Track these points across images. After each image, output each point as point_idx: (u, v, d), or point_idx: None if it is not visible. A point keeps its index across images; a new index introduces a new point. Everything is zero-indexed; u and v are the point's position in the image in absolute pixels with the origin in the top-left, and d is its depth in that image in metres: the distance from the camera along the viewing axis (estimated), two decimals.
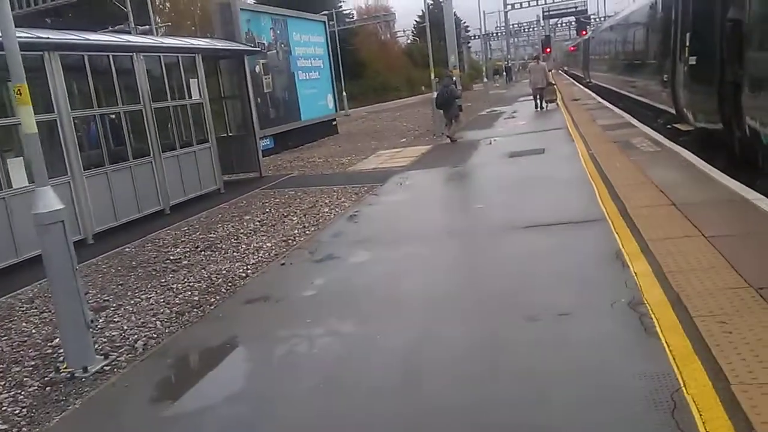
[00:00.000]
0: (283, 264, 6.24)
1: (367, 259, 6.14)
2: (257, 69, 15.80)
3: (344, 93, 40.72)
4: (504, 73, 53.07)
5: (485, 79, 48.16)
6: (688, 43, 9.95)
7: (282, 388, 3.67)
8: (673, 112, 11.68)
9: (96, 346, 4.59)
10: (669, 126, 11.94)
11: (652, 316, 3.82)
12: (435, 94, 16.68)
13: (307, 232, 7.64)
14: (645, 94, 15.07)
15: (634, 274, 4.57)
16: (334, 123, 22.71)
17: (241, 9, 15.87)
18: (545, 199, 7.70)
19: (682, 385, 2.97)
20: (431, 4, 54.94)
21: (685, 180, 7.48)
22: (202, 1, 44.75)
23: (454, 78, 17.61)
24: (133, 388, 3.97)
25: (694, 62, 9.74)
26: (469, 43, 79.06)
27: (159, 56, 10.24)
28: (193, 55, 11.02)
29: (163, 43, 11.01)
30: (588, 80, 34.42)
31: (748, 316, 3.56)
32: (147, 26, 23.71)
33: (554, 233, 6.10)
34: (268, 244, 7.20)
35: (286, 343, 4.37)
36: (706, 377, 3.01)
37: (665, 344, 3.43)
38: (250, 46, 14.22)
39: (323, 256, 6.34)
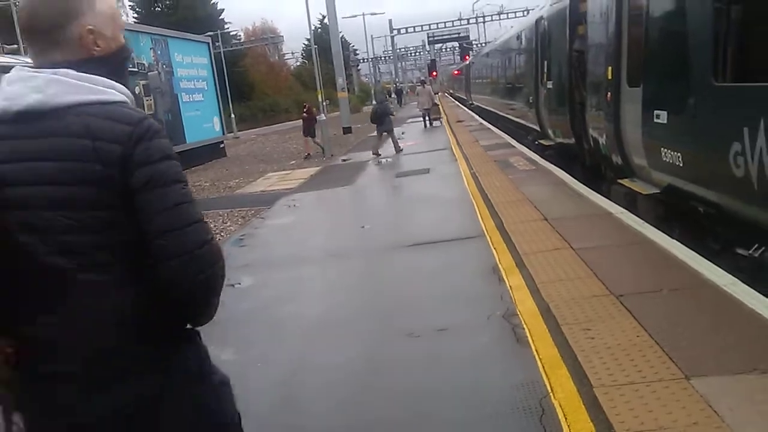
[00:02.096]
0: None
1: (252, 283, 6.02)
2: (137, 90, 15.21)
3: (232, 115, 40.04)
4: (394, 96, 54.23)
5: (374, 102, 49.08)
6: (546, 70, 11.39)
7: None
8: (538, 129, 13.05)
9: None
10: (536, 142, 13.22)
11: (525, 326, 4.00)
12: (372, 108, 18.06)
13: None
14: (517, 115, 16.40)
15: (509, 287, 4.78)
16: (222, 146, 22.23)
17: None
18: (429, 217, 7.91)
19: (549, 391, 3.13)
20: (319, 27, 55.40)
21: (557, 196, 7.94)
22: None
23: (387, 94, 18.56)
24: None
25: (551, 86, 11.25)
26: (358, 66, 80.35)
27: None
28: None
29: (30, 63, 10.34)
30: (470, 102, 36.07)
31: (609, 322, 3.81)
32: (14, 45, 22.22)
33: (437, 250, 6.27)
34: None
35: None
36: (572, 382, 3.18)
37: (535, 353, 3.60)
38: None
39: None
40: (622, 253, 5.22)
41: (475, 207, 7.90)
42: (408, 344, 4.04)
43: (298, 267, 6.36)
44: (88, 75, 1.40)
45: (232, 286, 5.99)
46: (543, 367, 3.41)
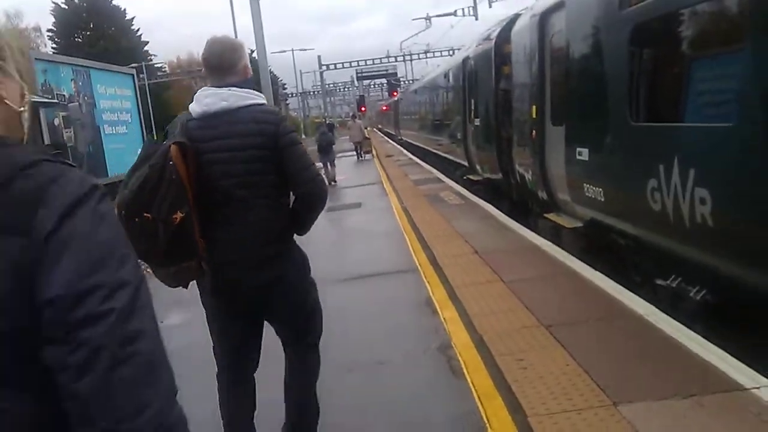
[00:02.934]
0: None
1: (182, 321, 5.83)
2: (56, 122, 14.65)
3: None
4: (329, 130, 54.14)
5: (303, 136, 49.13)
6: (473, 107, 11.80)
7: None
8: (467, 164, 13.32)
9: None
10: (464, 177, 13.57)
11: (460, 358, 4.05)
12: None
13: None
14: (446, 150, 16.81)
15: (443, 320, 4.84)
16: None
17: (37, 59, 14.75)
18: (363, 251, 7.93)
19: (486, 422, 3.17)
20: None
21: (486, 230, 8.15)
22: None
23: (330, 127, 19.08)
24: None
25: (478, 123, 11.51)
26: (287, 100, 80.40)
27: None
28: None
29: None
30: (399, 137, 36.68)
31: (540, 352, 3.92)
32: None
33: (371, 284, 6.29)
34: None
35: None
36: (507, 412, 3.24)
37: (471, 384, 3.65)
38: (47, 98, 13.21)
39: None
40: (550, 285, 5.40)
41: (407, 241, 8.00)
42: (346, 378, 4.01)
43: None
44: (246, 89, 2.59)
45: (161, 322, 5.78)
46: (479, 398, 3.46)
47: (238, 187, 2.48)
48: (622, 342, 3.97)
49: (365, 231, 9.36)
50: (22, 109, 1.04)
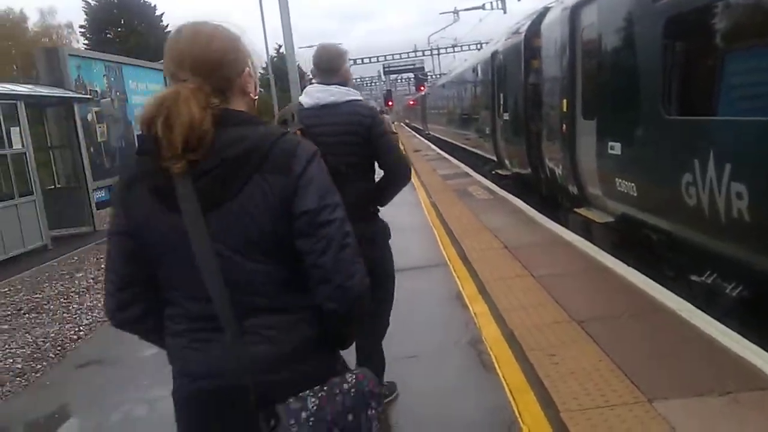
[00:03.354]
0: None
1: None
2: (90, 117, 14.90)
3: None
4: None
5: None
6: (502, 102, 11.65)
7: None
8: (495, 159, 13.12)
9: None
10: (493, 171, 13.43)
11: (490, 352, 4.05)
12: None
13: None
14: (474, 145, 16.65)
15: (473, 314, 4.84)
16: None
17: (70, 54, 14.97)
18: (392, 245, 7.93)
19: (517, 416, 3.17)
20: (275, 57, 55.67)
21: (515, 224, 8.11)
22: (28, 46, 41.77)
23: None
24: None
25: (507, 118, 11.28)
26: None
27: None
28: (14, 101, 10.19)
29: None
30: (427, 132, 36.56)
31: (572, 348, 3.90)
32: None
33: (401, 278, 6.24)
34: (104, 303, 6.70)
35: (121, 409, 4.05)
36: (539, 407, 3.23)
37: (502, 378, 3.65)
38: (81, 94, 13.43)
39: None
40: (581, 280, 5.36)
41: (437, 235, 7.99)
42: None
43: None
44: (347, 88, 3.17)
45: None
46: (510, 392, 3.46)
47: (340, 164, 2.75)
48: (656, 338, 3.93)
49: (394, 225, 9.25)
50: (255, 98, 1.61)
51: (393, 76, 74.31)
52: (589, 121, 6.76)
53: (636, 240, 6.20)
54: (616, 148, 5.89)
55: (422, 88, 52.97)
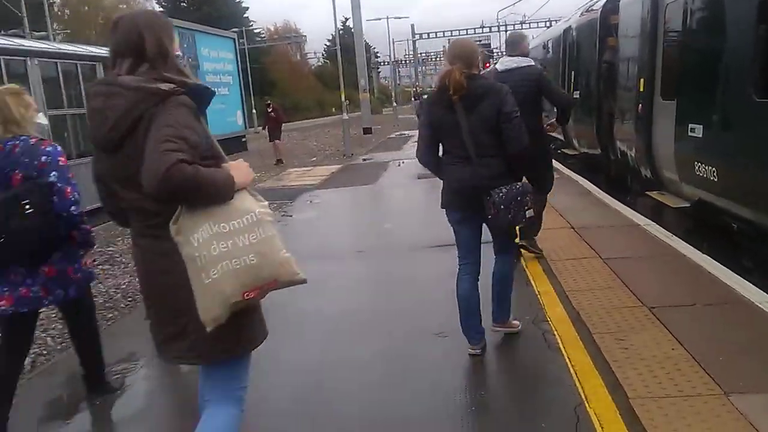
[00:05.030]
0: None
1: None
2: None
3: (254, 110, 40.22)
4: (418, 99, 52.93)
5: (394, 104, 49.07)
6: (572, 80, 11.26)
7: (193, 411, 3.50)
8: (562, 138, 12.88)
9: None
10: (559, 151, 13.09)
11: (555, 332, 3.96)
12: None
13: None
14: None
15: (537, 293, 4.74)
16: (244, 140, 22.33)
17: None
18: (442, 215, 7.84)
19: (584, 399, 3.09)
20: (341, 29, 55.63)
21: (583, 205, 7.88)
22: (106, 11, 43.09)
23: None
24: (21, 409, 3.65)
25: (577, 96, 10.93)
26: (378, 68, 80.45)
27: (56, 63, 9.72)
28: (94, 63, 10.55)
29: (60, 49, 10.46)
30: None
31: (642, 334, 3.77)
32: (44, 32, 22.48)
33: (453, 253, 6.22)
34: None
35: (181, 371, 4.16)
36: (606, 392, 3.14)
37: (567, 360, 3.56)
38: None
39: None
40: (653, 265, 5.17)
41: None
42: (439, 344, 4.02)
43: (322, 263, 6.32)
44: (525, 58, 5.13)
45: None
46: (576, 374, 3.37)
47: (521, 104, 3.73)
48: (733, 329, 3.75)
49: None
50: (479, 71, 3.70)
51: None
52: (669, 102, 6.46)
53: (712, 227, 5.93)
54: (697, 130, 5.61)
55: (487, 65, 51.91)
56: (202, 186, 1.89)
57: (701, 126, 5.53)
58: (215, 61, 19.14)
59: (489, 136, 3.47)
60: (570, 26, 12.03)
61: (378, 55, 79.56)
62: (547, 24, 54.52)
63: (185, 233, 1.94)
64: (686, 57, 6.08)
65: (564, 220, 7.04)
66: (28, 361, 4.35)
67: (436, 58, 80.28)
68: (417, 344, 4.06)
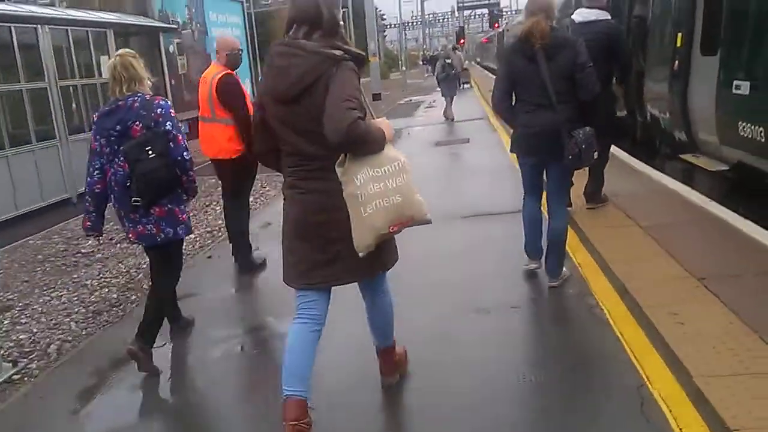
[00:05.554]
0: (209, 257, 5.85)
1: None
2: (171, 49, 14.97)
3: (261, 77, 39.66)
4: (428, 64, 51.13)
5: (403, 68, 48.20)
6: None
7: (218, 397, 3.37)
8: None
9: (2, 351, 4.09)
10: None
11: (603, 307, 3.78)
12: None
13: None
14: None
15: (577, 265, 4.55)
16: None
17: None
18: (478, 189, 7.65)
19: (646, 380, 2.92)
20: None
21: (610, 170, 7.56)
22: None
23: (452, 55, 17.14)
24: (49, 399, 3.54)
25: None
26: (384, 32, 79.10)
27: (66, 30, 9.45)
28: (104, 30, 10.27)
29: (70, 15, 10.17)
30: None
31: (696, 307, 3.57)
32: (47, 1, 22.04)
33: (492, 223, 6.04)
34: (191, 236, 6.74)
35: (220, 344, 4.03)
36: (668, 371, 2.97)
37: (620, 336, 3.39)
38: (166, 23, 13.45)
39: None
40: (695, 233, 4.95)
41: None
42: (482, 320, 3.85)
43: None
44: (601, 11, 5.51)
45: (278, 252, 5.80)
46: (632, 352, 3.20)
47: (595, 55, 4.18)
48: None
49: (478, 167, 9.03)
50: (554, 23, 4.04)
51: (467, 13, 71.77)
52: (710, 57, 6.12)
53: (748, 191, 5.68)
54: (743, 87, 5.31)
55: (497, 25, 50.88)
56: (368, 139, 2.38)
57: (748, 83, 5.24)
58: (223, 26, 18.70)
59: (565, 83, 3.85)
60: None
61: (384, 17, 78.15)
62: None
63: (350, 174, 2.41)
64: (732, 6, 5.73)
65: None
66: (53, 348, 4.25)
67: (443, 19, 78.84)
68: (461, 320, 3.90)
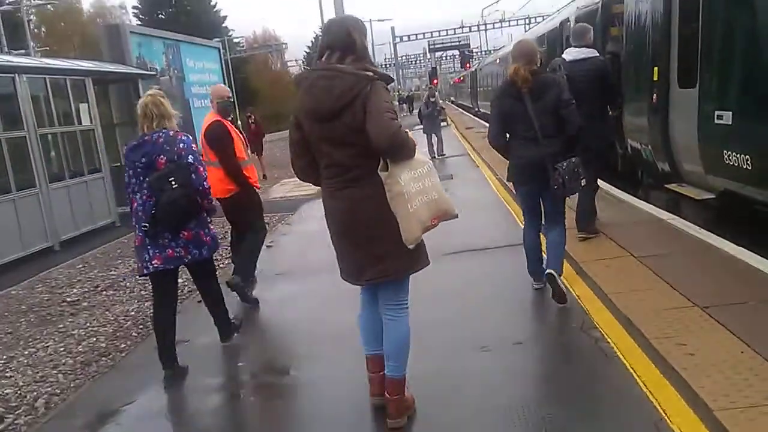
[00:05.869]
0: (199, 301, 5.68)
1: (293, 293, 5.74)
2: None
3: (239, 122, 39.71)
4: (404, 104, 51.90)
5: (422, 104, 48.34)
6: None
7: None
8: None
9: None
10: None
11: (609, 340, 3.72)
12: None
13: (222, 265, 7.09)
14: None
15: (576, 297, 4.51)
16: None
17: (132, 32, 15.01)
18: (467, 224, 7.55)
19: (663, 415, 2.85)
20: (319, 35, 55.18)
21: (598, 203, 7.65)
22: (84, 26, 42.51)
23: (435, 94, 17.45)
24: None
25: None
26: None
27: (44, 78, 9.37)
28: (83, 78, 10.20)
29: (49, 64, 10.11)
30: (477, 109, 35.78)
31: (704, 337, 3.53)
32: (23, 50, 21.99)
33: (484, 258, 6.00)
34: (180, 280, 6.56)
35: (215, 393, 3.88)
36: (685, 404, 2.91)
37: (631, 370, 3.32)
38: (144, 70, 13.43)
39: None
40: (691, 262, 4.95)
41: (513, 213, 7.63)
42: (480, 358, 3.76)
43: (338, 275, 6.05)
44: (590, 50, 5.90)
45: (270, 295, 5.70)
46: (644, 385, 3.14)
47: (587, 89, 5.25)
48: None
49: (465, 203, 8.97)
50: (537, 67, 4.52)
51: (438, 54, 73.20)
52: (688, 90, 6.24)
53: (735, 217, 5.73)
54: (725, 117, 5.40)
55: (468, 65, 51.79)
56: (407, 145, 2.74)
57: (730, 113, 5.33)
58: (200, 72, 18.75)
59: (551, 119, 4.26)
60: (567, 18, 11.83)
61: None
62: (527, 22, 54.62)
63: (394, 177, 2.74)
64: (709, 40, 5.85)
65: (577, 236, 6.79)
66: (41, 402, 4.06)
67: (415, 60, 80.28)
68: (463, 358, 3.80)
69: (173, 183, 3.71)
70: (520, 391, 3.34)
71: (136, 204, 3.85)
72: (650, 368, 3.30)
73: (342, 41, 2.81)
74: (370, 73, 2.75)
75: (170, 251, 3.85)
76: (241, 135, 5.51)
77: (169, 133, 3.86)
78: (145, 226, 3.76)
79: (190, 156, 3.86)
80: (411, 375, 3.28)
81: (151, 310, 5.65)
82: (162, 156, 3.79)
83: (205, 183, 3.92)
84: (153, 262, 3.84)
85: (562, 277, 4.93)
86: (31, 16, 41.58)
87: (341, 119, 2.73)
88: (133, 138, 3.96)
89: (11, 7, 28.44)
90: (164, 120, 3.88)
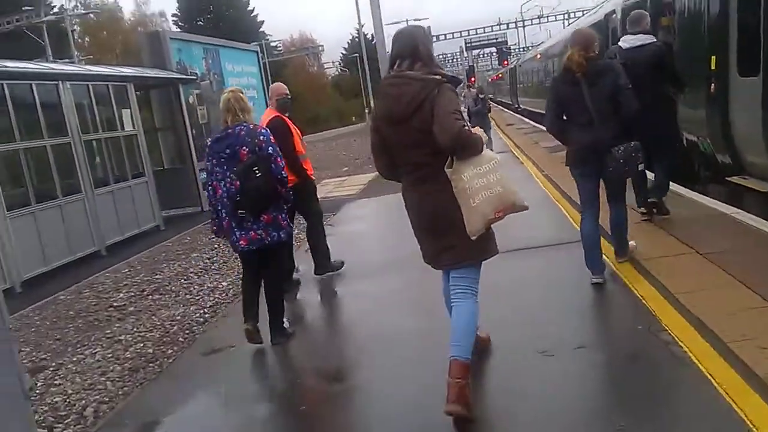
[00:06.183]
0: None
1: (341, 294, 5.61)
2: (191, 100, 15.03)
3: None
4: None
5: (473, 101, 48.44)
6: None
7: None
8: None
9: (36, 417, 3.85)
10: None
11: (681, 344, 3.47)
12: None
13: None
14: None
15: (640, 297, 4.25)
16: None
17: (171, 38, 15.12)
18: (515, 222, 7.31)
19: (752, 426, 2.60)
20: (356, 36, 55.44)
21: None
22: (125, 34, 43.43)
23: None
24: None
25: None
26: None
27: (87, 85, 9.47)
28: (124, 83, 10.29)
29: (91, 70, 10.23)
30: (517, 106, 35.23)
31: None
32: (67, 59, 22.49)
33: (538, 257, 5.77)
34: (224, 284, 6.53)
35: (264, 401, 3.76)
36: None
37: (710, 377, 3.07)
38: (185, 75, 13.53)
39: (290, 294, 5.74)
40: (762, 258, 4.64)
41: (563, 210, 7.37)
42: (542, 363, 3.55)
43: (386, 276, 5.90)
44: (646, 35, 5.75)
45: (317, 297, 5.57)
46: (726, 393, 2.89)
47: (645, 75, 5.18)
48: None
49: None
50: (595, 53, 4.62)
51: (475, 52, 72.66)
52: (750, 78, 5.91)
53: None
54: None
55: (506, 62, 51.22)
56: (471, 143, 2.92)
57: None
58: (239, 76, 18.82)
59: (607, 104, 4.30)
60: (613, 10, 11.46)
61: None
62: (566, 17, 53.70)
63: (458, 173, 2.92)
64: None
65: (636, 212, 6.50)
66: (89, 411, 4.01)
67: (452, 59, 79.77)
68: (524, 363, 3.60)
69: (257, 172, 4.05)
70: (592, 401, 3.13)
71: (220, 191, 4.20)
72: (730, 374, 3.05)
73: (409, 50, 3.05)
74: (438, 77, 2.96)
75: (253, 233, 4.20)
76: (298, 131, 5.83)
77: (249, 126, 4.20)
78: (243, 213, 4.13)
79: (270, 147, 4.20)
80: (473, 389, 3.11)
81: (197, 314, 5.65)
82: (244, 147, 4.12)
83: (283, 172, 4.23)
84: (240, 243, 4.23)
85: (623, 275, 4.72)
86: (75, 27, 42.70)
87: (412, 122, 2.95)
88: (216, 132, 4.33)
89: (56, 17, 29.17)
90: (244, 114, 4.21)
